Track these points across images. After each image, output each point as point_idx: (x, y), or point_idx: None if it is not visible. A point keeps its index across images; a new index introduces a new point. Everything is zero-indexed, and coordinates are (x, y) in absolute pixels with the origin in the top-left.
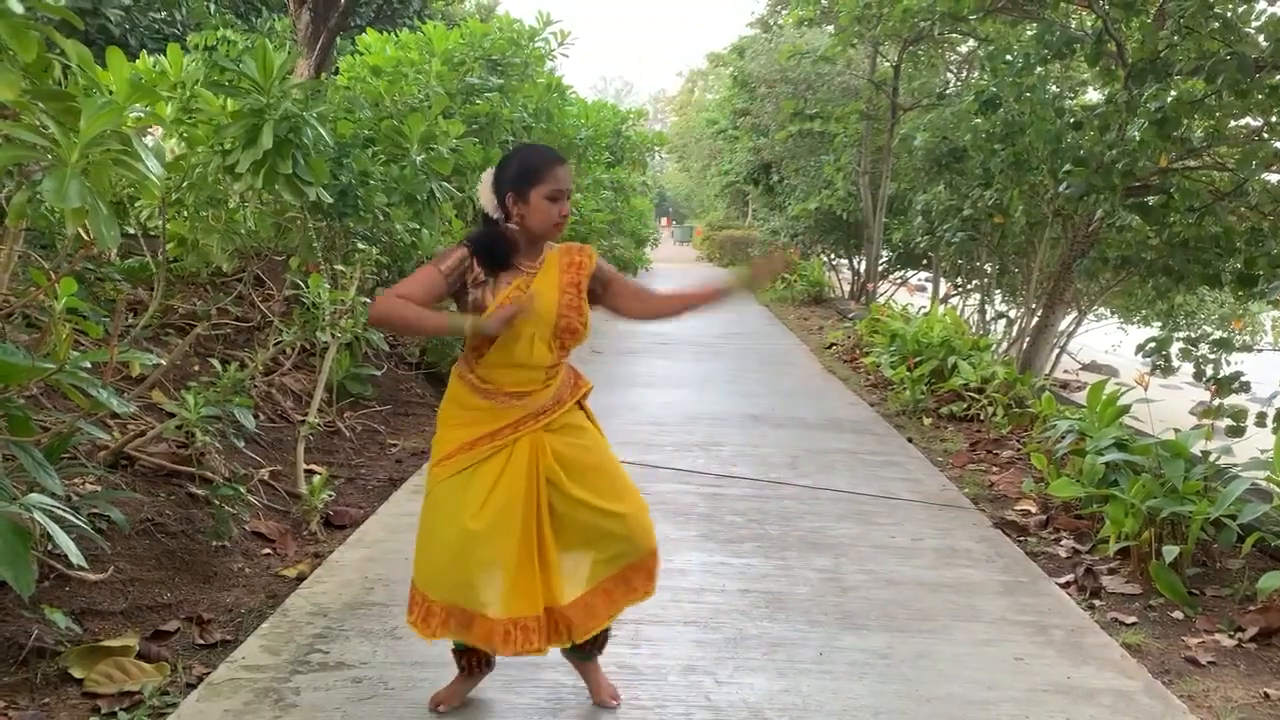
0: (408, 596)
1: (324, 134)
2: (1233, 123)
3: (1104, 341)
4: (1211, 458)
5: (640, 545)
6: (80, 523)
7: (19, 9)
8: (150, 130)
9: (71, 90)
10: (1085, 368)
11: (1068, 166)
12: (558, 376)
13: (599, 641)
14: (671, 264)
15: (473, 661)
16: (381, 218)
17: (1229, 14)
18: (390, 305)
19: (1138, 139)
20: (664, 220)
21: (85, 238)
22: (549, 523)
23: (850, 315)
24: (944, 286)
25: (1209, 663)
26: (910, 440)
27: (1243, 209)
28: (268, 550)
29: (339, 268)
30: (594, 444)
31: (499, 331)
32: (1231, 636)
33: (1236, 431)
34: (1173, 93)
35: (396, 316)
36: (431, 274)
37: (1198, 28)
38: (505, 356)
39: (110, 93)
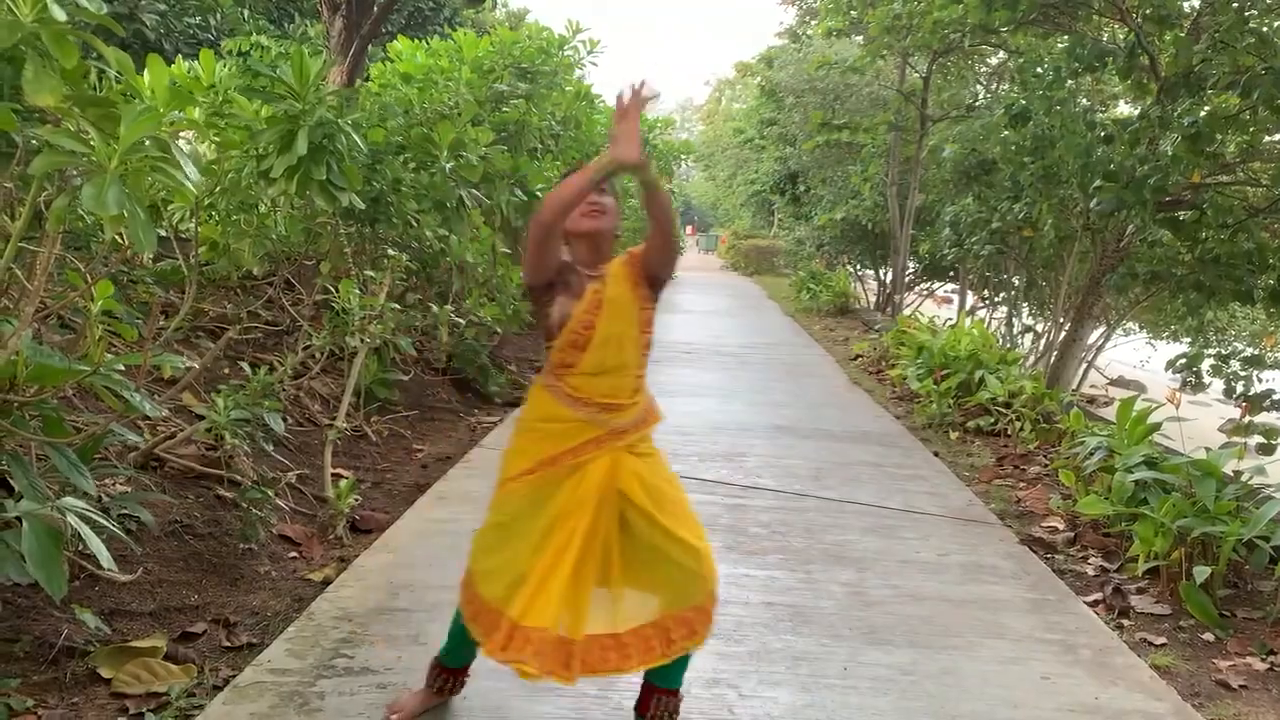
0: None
1: (358, 141)
2: (1267, 138)
3: (1132, 357)
4: (1244, 477)
5: (706, 585)
6: (110, 524)
7: (61, 15)
8: (184, 135)
9: (110, 96)
10: (1113, 383)
11: (1098, 181)
12: (642, 393)
13: (666, 709)
14: (697, 272)
15: (448, 682)
16: (412, 224)
17: (1265, 28)
18: (547, 201)
19: (1170, 154)
20: (689, 229)
21: (121, 242)
22: (617, 552)
23: (876, 327)
24: (971, 299)
25: (1240, 686)
26: (936, 454)
27: (1276, 225)
28: (294, 554)
29: (369, 273)
30: (672, 476)
31: (632, 157)
32: (1263, 660)
33: (1268, 450)
34: (1206, 107)
35: (554, 202)
36: None
37: (1233, 42)
38: (599, 360)
39: (150, 97)
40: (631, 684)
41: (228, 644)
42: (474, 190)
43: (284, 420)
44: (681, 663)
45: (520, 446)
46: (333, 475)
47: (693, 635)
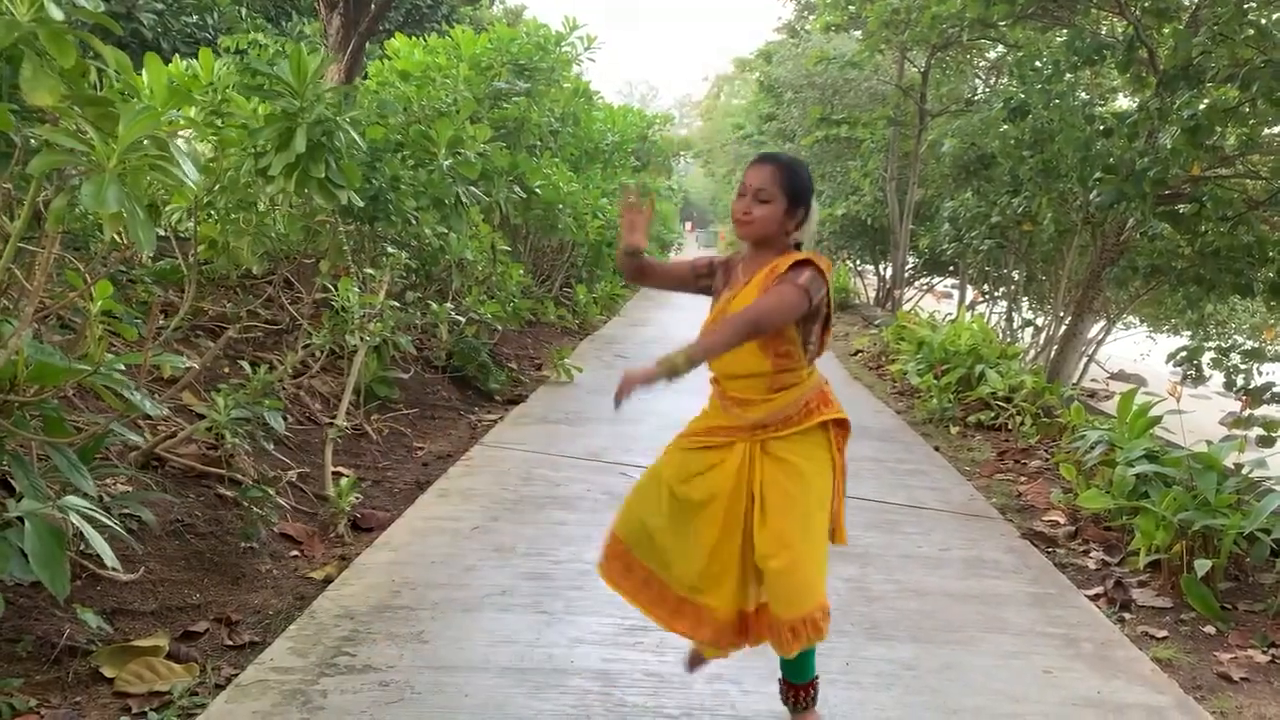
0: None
1: (356, 138)
2: (1267, 130)
3: (1132, 350)
4: (1245, 470)
5: (787, 608)
6: (112, 523)
7: (58, 15)
8: (182, 133)
9: (108, 95)
10: (1114, 377)
11: (1098, 174)
12: (786, 393)
13: (805, 698)
14: None
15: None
16: (410, 222)
17: (1264, 20)
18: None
19: (1169, 147)
20: (687, 225)
21: (120, 241)
22: (759, 531)
23: (876, 322)
24: (971, 294)
25: (1242, 679)
26: (937, 449)
27: (1276, 218)
28: (295, 552)
29: (368, 271)
30: (810, 472)
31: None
32: (1265, 652)
33: (1269, 442)
34: (1205, 100)
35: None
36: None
37: (1232, 34)
38: (719, 363)
39: (149, 95)
40: (633, 682)
41: (230, 643)
42: (473, 187)
43: (284, 419)
44: (801, 656)
45: (694, 419)
46: (333, 473)
47: (782, 645)
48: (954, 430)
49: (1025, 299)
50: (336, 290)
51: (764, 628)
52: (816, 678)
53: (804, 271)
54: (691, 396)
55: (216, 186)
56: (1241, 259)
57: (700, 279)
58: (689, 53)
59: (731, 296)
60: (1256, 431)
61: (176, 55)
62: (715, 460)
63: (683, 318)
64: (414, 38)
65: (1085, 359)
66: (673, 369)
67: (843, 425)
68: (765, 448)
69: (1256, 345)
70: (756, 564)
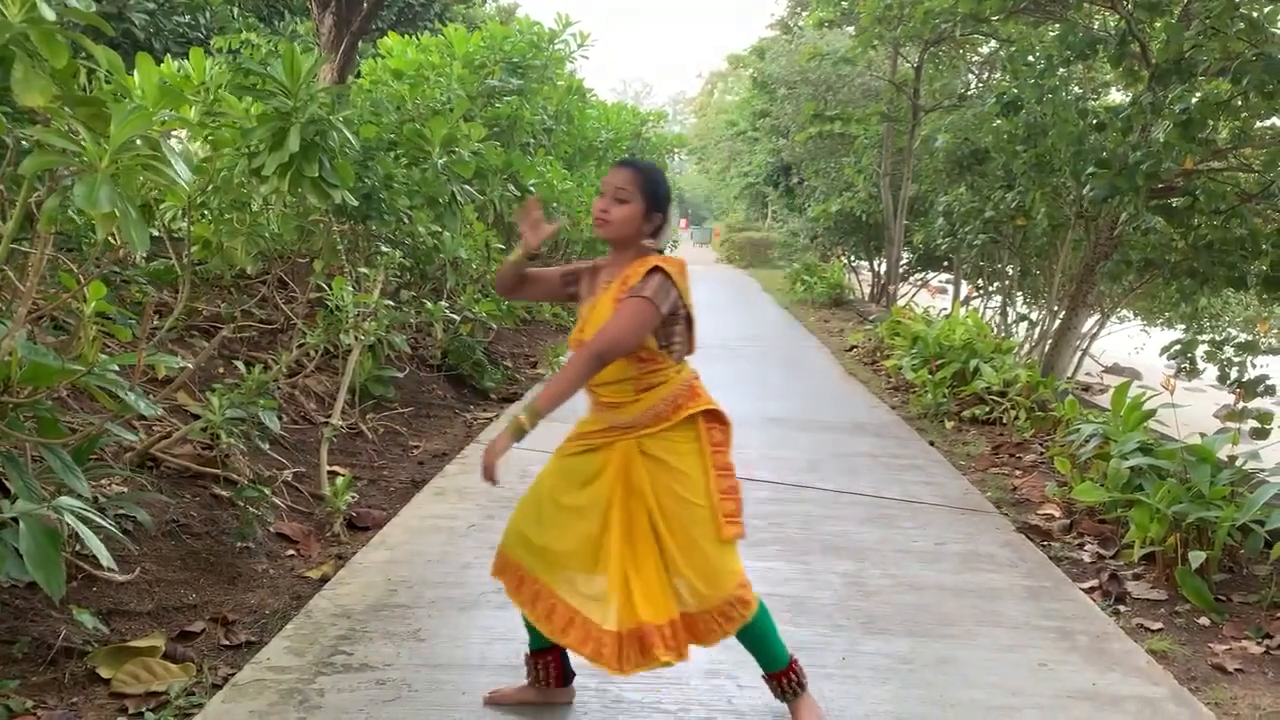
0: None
1: (350, 137)
2: (1259, 124)
3: (1127, 344)
4: (1238, 462)
5: (709, 596)
6: (107, 524)
7: (50, 15)
8: (175, 133)
9: (100, 95)
10: (1108, 370)
11: (1091, 169)
12: (653, 392)
13: (789, 684)
14: (691, 266)
15: (539, 669)
16: (404, 221)
17: (1255, 14)
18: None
19: (1162, 140)
20: (682, 222)
21: (114, 241)
22: (654, 536)
23: (871, 318)
24: (965, 289)
25: (1236, 670)
26: (932, 444)
27: (1269, 211)
28: (291, 552)
29: (362, 270)
30: (682, 488)
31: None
32: (1259, 643)
33: (1261, 434)
34: (1198, 94)
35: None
36: (555, 274)
37: (1223, 28)
38: None
39: (141, 95)
40: (629, 678)
41: (226, 642)
42: (467, 186)
43: (279, 418)
44: (761, 647)
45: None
46: (329, 473)
47: (711, 634)
48: (949, 425)
49: (1019, 293)
50: (331, 289)
51: (687, 634)
52: (794, 659)
53: (651, 281)
54: None
55: (210, 186)
56: (1235, 252)
57: (568, 287)
58: (683, 50)
59: (592, 306)
60: (1250, 424)
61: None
62: (598, 463)
63: None
64: (407, 36)
65: (1079, 353)
66: (519, 429)
67: (716, 417)
68: (642, 447)
69: (1250, 338)
70: (668, 571)
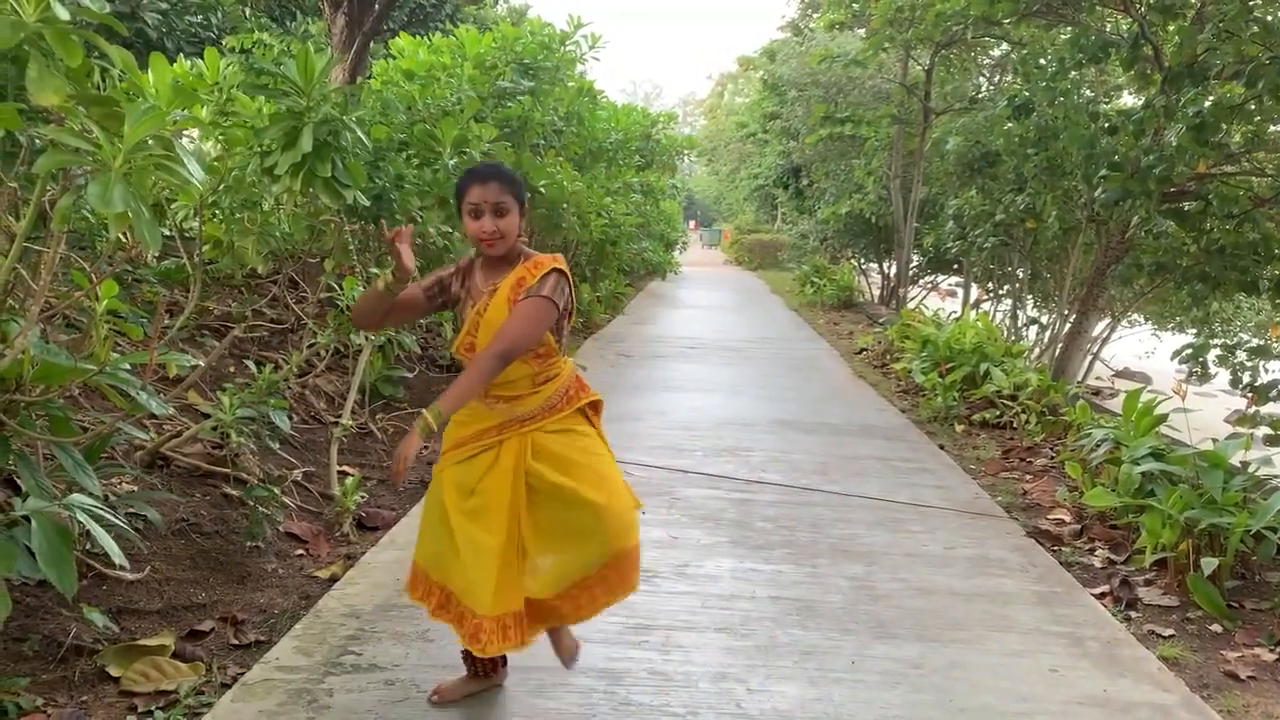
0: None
1: (362, 137)
2: (1272, 128)
3: (1137, 348)
4: (1251, 468)
5: (612, 545)
6: (118, 522)
7: (64, 15)
8: (187, 133)
9: (114, 94)
10: (1118, 375)
11: (1103, 172)
12: (550, 384)
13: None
14: (700, 268)
15: (478, 664)
16: (415, 220)
17: (1269, 17)
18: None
19: (1175, 144)
20: (691, 224)
21: (126, 240)
22: (527, 522)
23: (881, 320)
24: (975, 292)
25: (1249, 677)
26: (942, 447)
27: None
28: (301, 551)
29: (373, 270)
30: (588, 446)
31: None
32: (1272, 651)
33: (1275, 440)
34: (1211, 97)
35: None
36: (416, 291)
37: (1237, 31)
38: None
39: (154, 95)
40: (637, 681)
41: (235, 642)
42: None
43: (289, 418)
44: None
45: (447, 430)
46: (339, 473)
47: (611, 592)
48: (959, 428)
49: (1030, 297)
50: (341, 289)
51: (571, 600)
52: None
53: (549, 281)
54: (687, 395)
55: (222, 186)
56: (1247, 256)
57: (434, 299)
58: (693, 51)
59: (483, 308)
60: (1263, 430)
61: (181, 55)
62: (489, 463)
63: (687, 315)
64: (418, 37)
65: (1090, 357)
66: (428, 428)
67: (596, 407)
68: (536, 445)
69: (1262, 343)
70: (566, 520)
